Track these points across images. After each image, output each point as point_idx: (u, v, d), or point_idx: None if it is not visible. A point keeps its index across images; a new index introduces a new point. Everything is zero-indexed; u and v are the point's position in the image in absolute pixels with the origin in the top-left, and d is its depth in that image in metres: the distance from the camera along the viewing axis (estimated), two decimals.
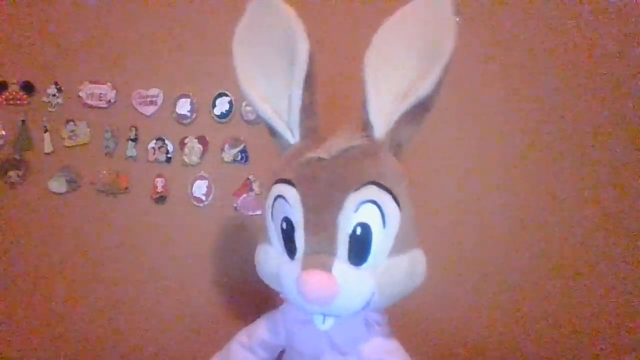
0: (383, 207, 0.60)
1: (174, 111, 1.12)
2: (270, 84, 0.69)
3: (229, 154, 1.11)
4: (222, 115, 1.11)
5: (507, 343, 1.11)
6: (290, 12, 0.66)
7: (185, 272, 1.12)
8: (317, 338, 0.69)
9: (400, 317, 1.08)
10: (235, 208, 1.11)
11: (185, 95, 1.11)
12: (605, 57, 1.12)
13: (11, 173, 1.11)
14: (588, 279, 1.11)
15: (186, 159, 1.11)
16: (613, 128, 1.11)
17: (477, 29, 1.12)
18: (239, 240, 1.10)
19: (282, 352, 0.80)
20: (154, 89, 1.12)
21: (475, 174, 1.12)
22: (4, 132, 1.11)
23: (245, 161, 1.11)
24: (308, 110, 0.67)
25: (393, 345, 0.70)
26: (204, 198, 1.11)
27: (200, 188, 1.11)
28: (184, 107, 1.11)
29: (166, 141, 1.11)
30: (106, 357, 1.11)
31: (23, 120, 1.11)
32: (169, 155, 1.11)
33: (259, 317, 0.82)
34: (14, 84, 1.11)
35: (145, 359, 1.11)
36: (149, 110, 1.12)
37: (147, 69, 1.12)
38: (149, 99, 1.12)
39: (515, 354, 1.11)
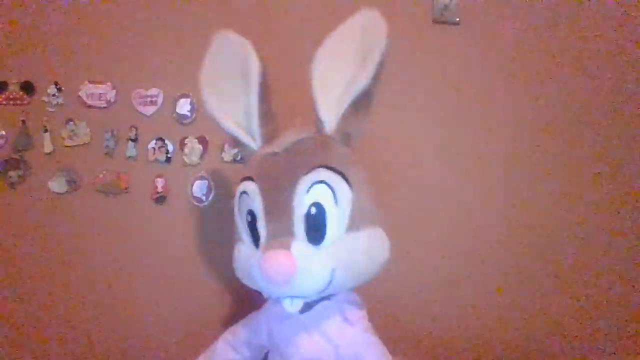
0: (333, 186, 0.66)
1: (174, 111, 1.12)
2: (233, 102, 0.78)
3: (229, 154, 1.11)
4: None
5: (507, 343, 1.11)
6: (243, 40, 0.77)
7: (185, 272, 1.11)
8: (295, 332, 0.72)
9: (398, 317, 1.08)
10: None
11: (185, 95, 1.12)
12: (605, 57, 1.12)
13: (11, 173, 1.11)
14: (588, 279, 1.11)
15: (186, 159, 1.11)
16: (613, 128, 1.12)
17: (477, 29, 1.12)
18: None
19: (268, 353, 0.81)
20: (154, 89, 1.12)
21: (476, 174, 1.12)
22: (4, 132, 1.11)
23: None
24: (265, 117, 0.76)
25: (370, 338, 0.73)
26: (204, 198, 1.11)
27: (200, 188, 1.11)
28: (184, 107, 1.11)
29: (166, 141, 1.12)
30: (106, 356, 1.11)
31: (23, 120, 1.11)
32: (169, 155, 1.11)
33: None
34: (14, 84, 1.11)
35: (145, 358, 1.11)
36: (149, 110, 1.12)
37: (147, 69, 1.12)
38: (149, 99, 1.12)
39: (515, 354, 1.11)
